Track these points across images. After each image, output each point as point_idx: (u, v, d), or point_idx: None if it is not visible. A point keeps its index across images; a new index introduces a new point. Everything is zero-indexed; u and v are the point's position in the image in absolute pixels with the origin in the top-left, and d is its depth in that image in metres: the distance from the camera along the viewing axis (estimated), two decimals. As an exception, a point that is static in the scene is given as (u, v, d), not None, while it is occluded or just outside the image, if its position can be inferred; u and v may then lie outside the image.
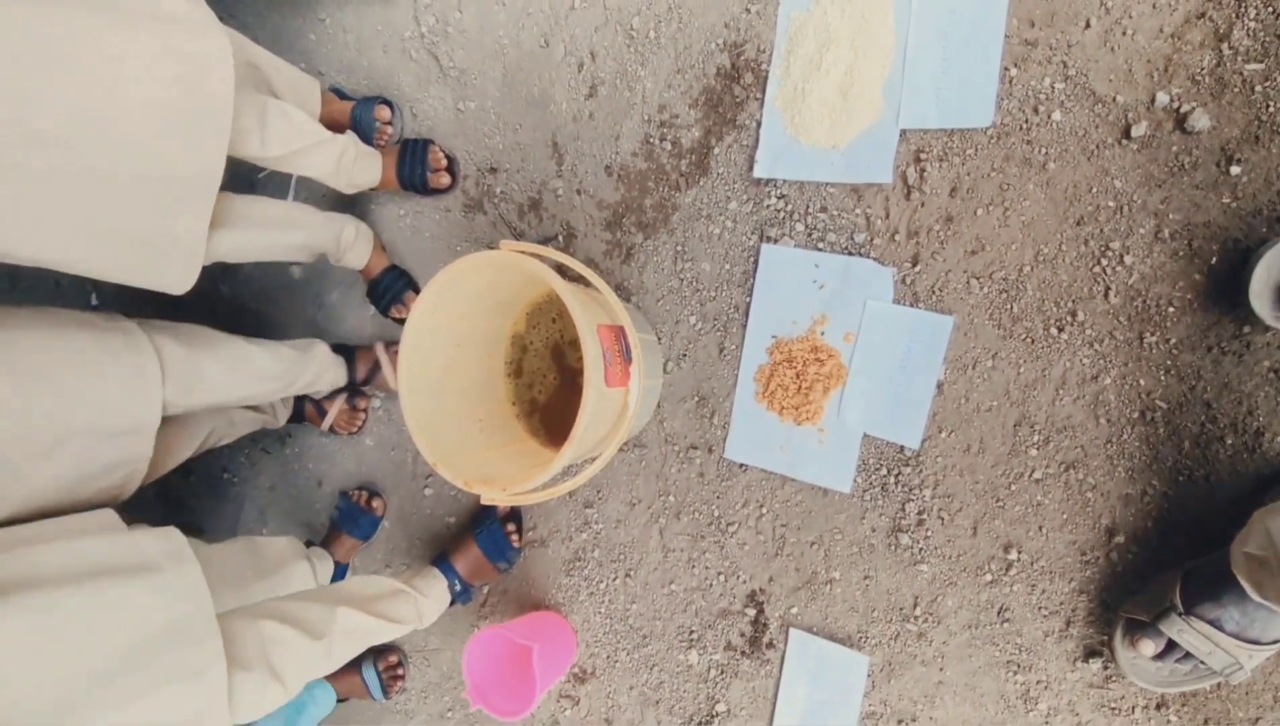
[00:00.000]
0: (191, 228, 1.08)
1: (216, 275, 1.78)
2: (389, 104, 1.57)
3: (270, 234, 1.26)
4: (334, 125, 1.52)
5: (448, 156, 1.58)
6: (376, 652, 1.71)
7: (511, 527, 1.53)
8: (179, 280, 1.12)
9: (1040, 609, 1.17)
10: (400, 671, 1.70)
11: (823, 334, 1.28)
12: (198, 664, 0.93)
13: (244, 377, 1.26)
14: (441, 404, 1.26)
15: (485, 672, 1.43)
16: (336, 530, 1.65)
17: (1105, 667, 1.14)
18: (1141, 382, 1.11)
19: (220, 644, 0.95)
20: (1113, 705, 1.14)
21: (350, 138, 1.42)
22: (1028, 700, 1.18)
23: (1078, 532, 1.15)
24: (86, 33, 0.88)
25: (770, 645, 1.35)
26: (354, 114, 1.52)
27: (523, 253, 1.14)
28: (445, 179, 1.56)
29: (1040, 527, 1.17)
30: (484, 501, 1.17)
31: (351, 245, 1.48)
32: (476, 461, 1.26)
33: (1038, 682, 1.18)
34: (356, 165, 1.43)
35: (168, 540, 1.01)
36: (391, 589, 1.30)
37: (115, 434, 1.06)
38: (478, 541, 1.50)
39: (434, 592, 1.39)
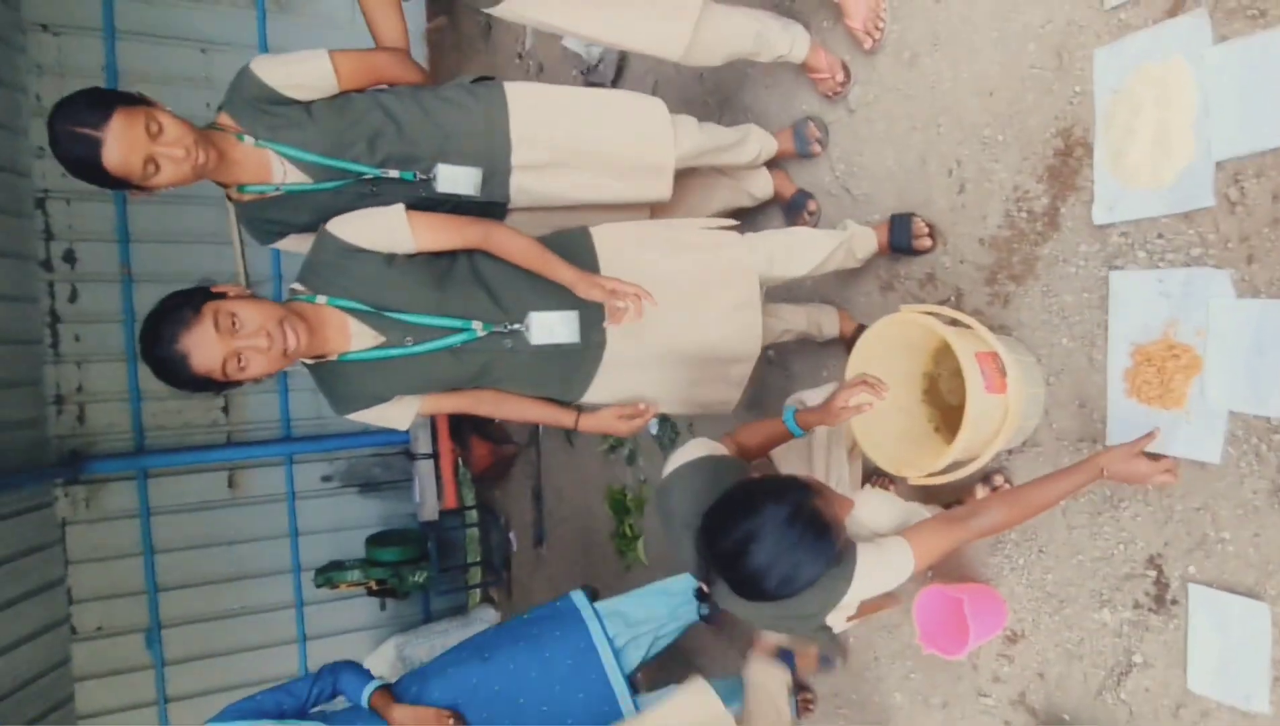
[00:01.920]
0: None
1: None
2: (814, 200, 2.40)
3: (775, 325, 2.08)
4: (781, 195, 2.42)
5: (928, 224, 2.07)
6: (801, 686, 2.44)
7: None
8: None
9: None
10: (812, 707, 2.38)
11: (1175, 334, 1.56)
12: None
13: None
14: (880, 425, 1.86)
15: (931, 623, 1.91)
16: None
17: None
18: None
19: None
20: None
21: (851, 231, 2.10)
22: None
23: None
24: (679, 267, 1.83)
25: (1174, 601, 1.59)
26: (795, 195, 2.40)
27: (916, 312, 1.72)
28: (928, 241, 2.07)
29: None
30: (911, 482, 1.73)
31: (823, 324, 2.25)
32: (904, 458, 1.81)
33: None
34: (858, 246, 2.10)
35: None
36: None
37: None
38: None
39: None
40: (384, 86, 1.81)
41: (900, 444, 1.89)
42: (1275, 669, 1.44)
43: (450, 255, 1.71)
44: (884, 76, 2.16)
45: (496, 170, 1.80)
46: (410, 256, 1.66)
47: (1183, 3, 1.53)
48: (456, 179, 1.76)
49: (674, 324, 1.81)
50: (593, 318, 1.73)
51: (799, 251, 2.02)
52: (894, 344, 1.89)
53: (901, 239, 2.09)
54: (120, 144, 1.41)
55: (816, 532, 1.31)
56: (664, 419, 3.30)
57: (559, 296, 1.70)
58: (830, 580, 1.38)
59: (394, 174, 1.72)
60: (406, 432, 4.84)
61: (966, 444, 1.66)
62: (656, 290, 1.77)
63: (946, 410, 1.99)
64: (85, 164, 1.43)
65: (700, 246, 1.91)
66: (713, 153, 2.09)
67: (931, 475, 1.71)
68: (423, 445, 4.72)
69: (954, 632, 1.89)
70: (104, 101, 1.44)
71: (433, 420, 4.73)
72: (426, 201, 1.75)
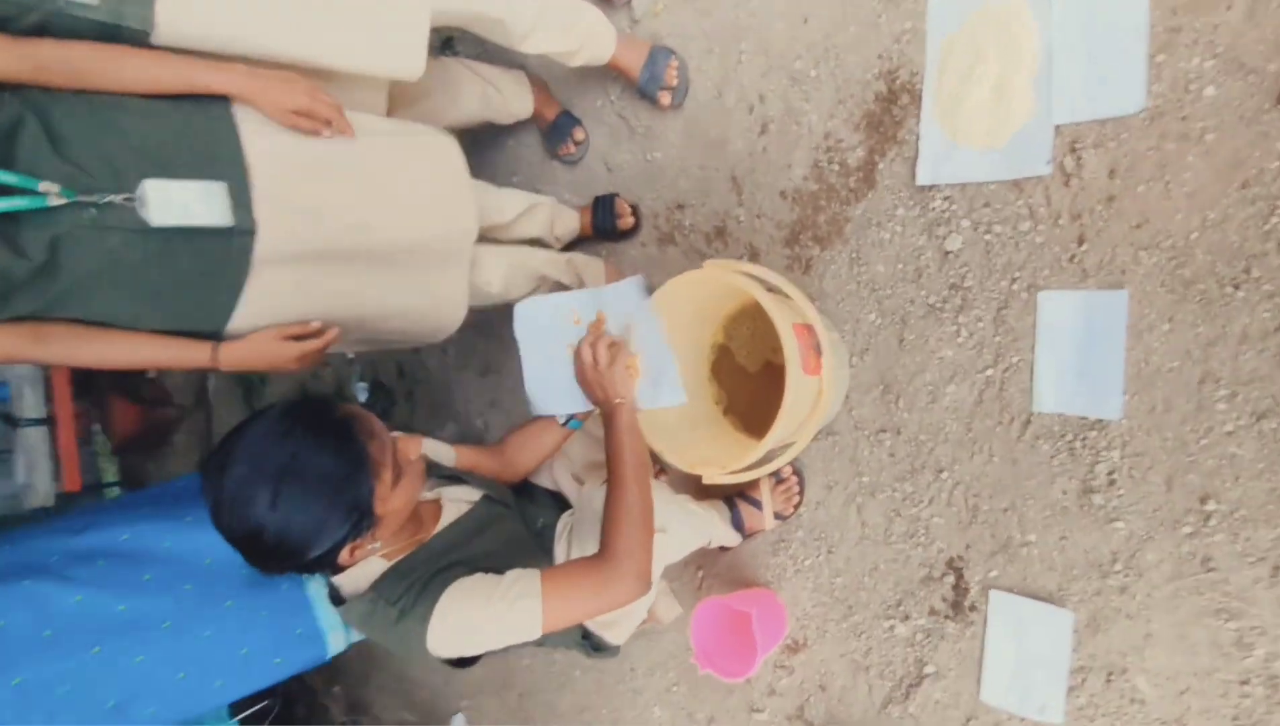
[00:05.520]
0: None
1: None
2: (583, 127, 1.96)
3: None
4: (541, 116, 1.95)
5: (631, 205, 1.87)
6: None
7: None
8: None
9: (1246, 556, 1.21)
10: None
11: (996, 317, 1.40)
12: None
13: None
14: (669, 410, 1.50)
15: (709, 640, 1.63)
16: None
17: (1322, 609, 1.17)
18: (1329, 330, 1.15)
19: None
20: (1334, 645, 1.16)
21: (550, 200, 1.82)
22: (1242, 646, 1.22)
23: (1277, 479, 1.19)
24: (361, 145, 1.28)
25: (973, 608, 1.46)
26: (559, 117, 1.95)
27: (726, 270, 1.37)
28: (630, 221, 1.86)
29: (1237, 478, 1.22)
30: (705, 482, 1.39)
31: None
32: (693, 449, 1.48)
33: (1252, 629, 1.21)
34: (558, 221, 1.82)
35: None
36: None
37: None
38: None
39: None
40: None
41: (686, 430, 1.56)
42: (1073, 678, 1.36)
43: None
44: (677, -19, 1.77)
45: None
46: None
47: (1037, -65, 1.33)
48: None
49: (359, 209, 1.28)
50: (234, 193, 1.13)
51: (501, 196, 1.67)
52: (680, 308, 1.54)
53: (605, 220, 1.89)
54: None
55: (312, 439, 0.94)
56: (376, 384, 2.69)
57: (182, 160, 1.09)
58: (404, 621, 1.03)
59: None
60: (3, 386, 3.57)
61: (780, 432, 1.36)
62: (333, 168, 1.23)
63: (735, 387, 1.70)
64: None
65: (390, 131, 1.38)
66: (490, 24, 1.48)
67: (735, 472, 1.40)
68: (30, 406, 3.49)
69: (735, 649, 1.63)
70: None
71: (47, 373, 3.53)
72: None
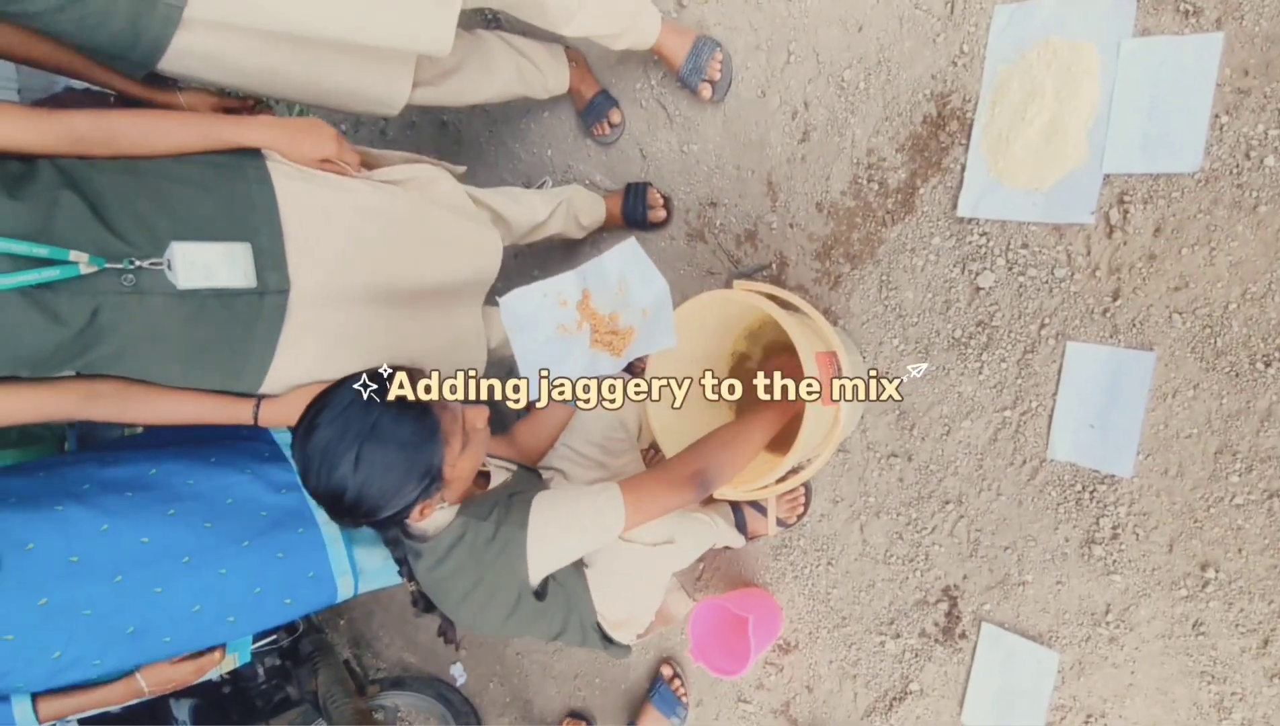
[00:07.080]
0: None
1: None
2: (620, 109, 1.91)
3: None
4: (578, 93, 1.91)
5: (664, 196, 1.85)
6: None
7: (677, 684, 1.91)
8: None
9: (1238, 626, 1.24)
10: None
11: (1021, 360, 1.40)
12: None
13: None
14: (678, 412, 1.52)
15: (705, 635, 1.69)
16: None
17: (1304, 686, 1.20)
18: (1354, 418, 1.14)
19: None
20: (1311, 722, 1.20)
21: (574, 189, 1.80)
22: (1221, 709, 1.26)
23: (1279, 558, 1.20)
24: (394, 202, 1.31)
25: (963, 635, 1.51)
26: (596, 97, 1.90)
27: (752, 293, 1.37)
28: (662, 213, 1.84)
29: (1240, 550, 1.23)
30: (717, 496, 1.42)
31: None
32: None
33: (1232, 694, 1.25)
34: (583, 211, 1.79)
35: None
36: None
37: None
38: (653, 701, 1.88)
39: None
40: None
41: (699, 435, 1.58)
42: (1052, 714, 1.41)
43: (22, 156, 1.05)
44: (730, -31, 1.71)
45: None
46: None
47: (1112, -27, 1.27)
48: None
49: (388, 264, 1.31)
50: (270, 252, 1.15)
51: (522, 201, 1.63)
52: (705, 320, 1.54)
53: (636, 209, 1.85)
54: None
55: (390, 409, 1.02)
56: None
57: (218, 223, 1.12)
58: (502, 529, 1.12)
59: None
60: None
61: (794, 460, 1.38)
62: (365, 230, 1.26)
63: (751, 396, 1.71)
64: None
65: (414, 185, 1.39)
66: (529, 7, 1.44)
67: (748, 491, 1.42)
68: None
69: (731, 647, 1.69)
70: None
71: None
72: None
